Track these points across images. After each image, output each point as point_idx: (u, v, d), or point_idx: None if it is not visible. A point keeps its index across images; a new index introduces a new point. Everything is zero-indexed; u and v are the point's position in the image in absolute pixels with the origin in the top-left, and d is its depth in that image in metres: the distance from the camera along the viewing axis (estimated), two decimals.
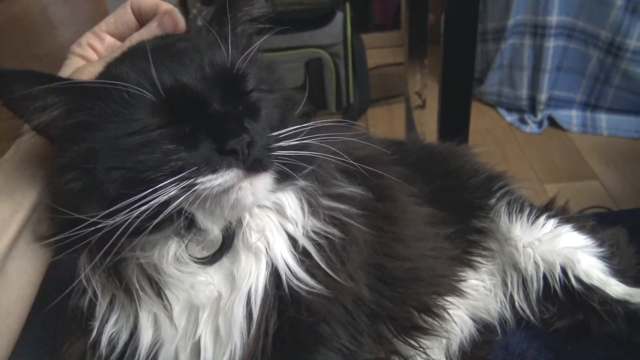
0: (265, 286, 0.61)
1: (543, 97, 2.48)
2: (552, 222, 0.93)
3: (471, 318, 0.87)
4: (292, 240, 0.64)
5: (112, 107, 0.56)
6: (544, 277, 0.89)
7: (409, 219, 0.78)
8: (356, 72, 2.52)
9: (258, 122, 0.60)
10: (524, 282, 0.91)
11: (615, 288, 0.87)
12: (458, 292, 0.81)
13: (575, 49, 2.38)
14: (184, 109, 0.57)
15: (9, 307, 0.65)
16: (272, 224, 0.64)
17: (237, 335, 0.61)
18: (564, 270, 0.88)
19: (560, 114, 2.50)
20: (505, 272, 0.93)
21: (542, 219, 0.93)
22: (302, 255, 0.63)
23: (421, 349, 0.74)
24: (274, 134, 0.59)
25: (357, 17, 2.51)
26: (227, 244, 0.62)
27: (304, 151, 0.60)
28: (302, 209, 0.64)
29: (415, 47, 2.27)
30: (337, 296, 0.63)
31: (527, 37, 2.44)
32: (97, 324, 0.62)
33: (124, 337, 0.62)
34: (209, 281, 0.61)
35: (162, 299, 0.60)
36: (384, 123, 2.63)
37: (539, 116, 2.51)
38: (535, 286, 0.89)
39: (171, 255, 0.59)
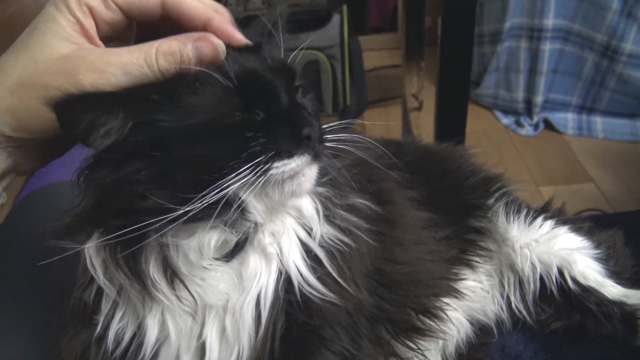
0: (276, 290, 0.61)
1: (539, 99, 2.49)
2: (549, 223, 0.93)
3: (468, 320, 0.88)
4: (305, 246, 0.64)
5: (182, 97, 0.55)
6: (541, 278, 0.89)
7: (408, 223, 0.78)
8: (353, 74, 2.52)
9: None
10: (521, 283, 0.91)
11: (612, 289, 0.87)
12: (456, 293, 0.81)
13: (571, 52, 2.39)
14: (256, 95, 0.57)
15: None
16: (289, 227, 0.64)
17: (245, 337, 0.60)
18: (560, 272, 0.88)
19: (556, 117, 2.51)
20: (502, 273, 0.93)
21: (539, 220, 0.93)
22: (314, 263, 0.63)
23: (419, 351, 0.74)
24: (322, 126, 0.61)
25: (354, 19, 2.52)
26: (241, 244, 0.62)
27: (344, 144, 0.62)
28: (318, 213, 0.64)
29: (412, 50, 2.27)
30: (346, 305, 0.63)
31: (523, 40, 2.46)
32: (102, 318, 0.61)
33: (129, 332, 0.61)
34: (218, 278, 0.61)
35: (175, 291, 0.58)
36: (380, 125, 2.63)
37: (535, 119, 2.52)
38: (532, 287, 0.90)
39: (212, 245, 0.58)
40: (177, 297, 0.59)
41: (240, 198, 0.56)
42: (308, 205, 0.64)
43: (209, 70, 0.55)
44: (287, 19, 0.70)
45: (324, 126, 0.62)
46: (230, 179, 0.53)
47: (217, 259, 0.60)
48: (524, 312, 0.92)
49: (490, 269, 0.93)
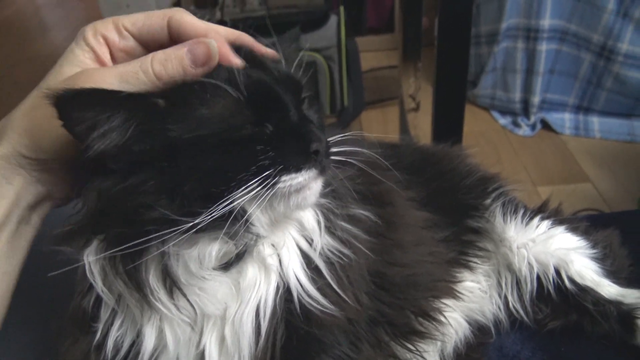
0: (275, 300, 0.61)
1: (536, 100, 2.50)
2: (546, 223, 0.93)
3: (466, 320, 0.88)
4: (306, 257, 0.64)
5: (190, 108, 0.55)
6: (538, 277, 0.90)
7: (407, 224, 0.78)
8: (350, 75, 2.52)
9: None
10: (518, 283, 0.91)
11: (608, 289, 0.88)
12: (454, 295, 0.81)
13: (567, 53, 2.40)
14: (266, 109, 0.58)
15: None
16: (289, 239, 0.64)
17: (245, 346, 0.60)
18: (557, 271, 0.88)
19: (553, 117, 2.52)
20: (500, 273, 0.93)
21: (536, 220, 0.93)
22: (314, 273, 0.63)
23: (418, 353, 0.74)
24: (328, 139, 0.61)
25: (351, 20, 2.52)
26: (240, 254, 0.62)
27: (349, 157, 0.63)
28: (319, 224, 0.65)
29: (409, 50, 2.28)
30: (346, 315, 0.63)
31: (520, 41, 2.46)
32: (101, 325, 0.61)
33: (128, 340, 0.61)
34: (216, 288, 0.60)
35: (173, 300, 0.58)
36: (378, 126, 2.64)
37: (532, 119, 2.53)
38: (529, 287, 0.90)
39: (213, 255, 0.58)
40: (176, 306, 0.58)
41: (246, 211, 0.56)
42: (310, 217, 0.65)
43: (219, 82, 0.56)
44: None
45: (330, 139, 0.62)
46: (239, 192, 0.53)
47: (215, 268, 0.60)
48: (522, 312, 0.92)
49: (488, 269, 0.93)
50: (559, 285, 0.88)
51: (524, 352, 0.89)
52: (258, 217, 0.59)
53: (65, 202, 0.65)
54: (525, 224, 0.93)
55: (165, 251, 0.56)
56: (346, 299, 0.63)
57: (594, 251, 0.91)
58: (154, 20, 0.62)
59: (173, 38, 0.62)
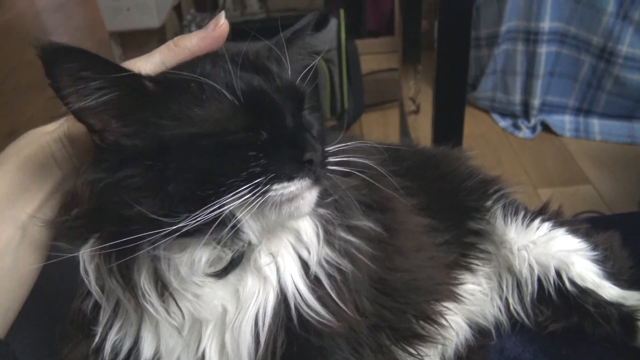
0: (275, 309, 0.61)
1: (536, 102, 2.50)
2: (547, 225, 0.93)
3: (467, 323, 0.88)
4: (305, 266, 0.63)
5: (184, 105, 0.55)
6: (539, 280, 0.89)
7: (408, 229, 0.78)
8: (350, 77, 2.53)
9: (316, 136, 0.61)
10: (519, 285, 0.91)
11: (609, 291, 0.88)
12: (456, 298, 0.81)
13: (567, 55, 2.40)
14: (262, 115, 0.57)
15: (16, 294, 0.66)
16: (287, 248, 0.64)
17: (244, 354, 0.60)
18: (558, 273, 0.88)
19: (553, 119, 2.52)
20: (501, 275, 0.93)
21: (537, 222, 0.93)
22: (314, 283, 0.63)
23: (419, 357, 0.74)
24: (326, 149, 0.61)
25: (351, 23, 2.53)
26: (235, 262, 0.62)
27: (348, 168, 0.62)
28: (318, 235, 0.64)
29: (408, 53, 2.28)
30: (345, 326, 0.63)
31: (519, 43, 2.46)
32: (100, 329, 0.61)
33: (127, 344, 0.61)
34: (214, 295, 0.61)
35: (165, 305, 0.58)
36: (378, 128, 2.64)
37: (532, 121, 2.53)
38: (530, 289, 0.90)
39: (203, 261, 0.58)
40: (166, 310, 0.58)
41: (235, 217, 0.56)
42: (308, 228, 0.64)
43: (217, 85, 0.55)
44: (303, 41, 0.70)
45: (330, 147, 0.62)
46: (228, 198, 0.53)
47: (210, 275, 0.60)
48: (522, 314, 0.92)
49: (489, 271, 0.93)
50: (560, 287, 0.88)
51: (525, 354, 0.89)
52: (249, 224, 0.58)
53: None
54: (526, 225, 0.93)
55: (156, 254, 0.56)
56: (346, 310, 0.63)
57: (595, 253, 0.91)
58: (178, 54, 0.64)
59: None
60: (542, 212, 0.98)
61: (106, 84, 0.53)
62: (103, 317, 0.61)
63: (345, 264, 0.64)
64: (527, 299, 0.90)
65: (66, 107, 0.54)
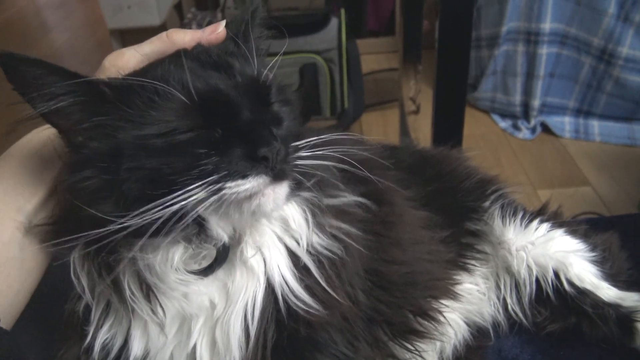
0: (263, 302, 0.61)
1: (536, 103, 2.50)
2: (545, 226, 0.93)
3: (465, 322, 0.88)
4: (293, 256, 0.63)
5: (138, 108, 0.56)
6: (537, 280, 0.90)
7: (405, 222, 0.78)
8: (350, 77, 2.53)
9: (281, 132, 0.61)
10: (517, 286, 0.92)
11: (607, 292, 0.88)
12: (453, 295, 0.81)
13: (568, 56, 2.40)
14: (216, 114, 0.57)
15: (23, 284, 0.66)
16: (273, 239, 0.64)
17: (235, 348, 0.60)
18: (556, 274, 0.88)
19: (553, 120, 2.52)
20: (499, 276, 0.93)
21: (535, 222, 0.93)
22: (301, 272, 0.63)
23: (417, 352, 0.74)
24: (294, 144, 0.61)
25: (352, 22, 2.53)
26: (221, 258, 0.62)
27: (321, 161, 0.62)
28: (307, 220, 0.64)
29: (409, 53, 2.28)
30: (334, 313, 0.63)
31: (520, 44, 2.46)
32: (92, 329, 0.61)
33: (118, 343, 0.61)
34: (201, 291, 0.61)
35: (151, 305, 0.59)
36: (378, 128, 2.64)
37: (532, 122, 2.53)
38: (528, 289, 0.90)
39: (176, 260, 0.59)
40: (152, 310, 0.59)
41: (199, 216, 0.56)
42: (295, 214, 0.64)
43: (168, 87, 0.55)
44: (262, 22, 0.70)
45: (300, 142, 0.61)
46: (179, 196, 0.52)
47: (196, 272, 0.60)
48: (520, 315, 0.92)
49: (487, 271, 0.93)
50: (558, 288, 0.88)
51: (523, 355, 0.89)
52: (216, 222, 0.58)
53: None
54: (524, 226, 0.93)
55: (133, 256, 0.57)
56: (337, 297, 0.62)
57: (593, 254, 0.92)
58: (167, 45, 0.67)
59: None
60: (541, 213, 0.98)
61: (64, 90, 0.55)
62: (94, 317, 0.61)
63: (334, 250, 0.64)
64: (525, 300, 0.90)
65: (34, 110, 0.56)
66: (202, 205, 0.54)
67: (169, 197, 0.52)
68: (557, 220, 0.97)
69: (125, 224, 0.52)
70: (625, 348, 0.86)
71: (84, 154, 0.56)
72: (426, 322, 0.75)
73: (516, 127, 2.56)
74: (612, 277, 0.90)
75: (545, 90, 2.49)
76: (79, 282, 0.60)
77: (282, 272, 0.62)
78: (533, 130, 2.52)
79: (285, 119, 0.63)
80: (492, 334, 0.92)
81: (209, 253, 0.61)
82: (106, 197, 0.55)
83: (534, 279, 0.90)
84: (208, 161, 0.54)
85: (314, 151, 0.61)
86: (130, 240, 0.54)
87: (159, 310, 0.59)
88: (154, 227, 0.53)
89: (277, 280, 0.62)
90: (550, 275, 0.88)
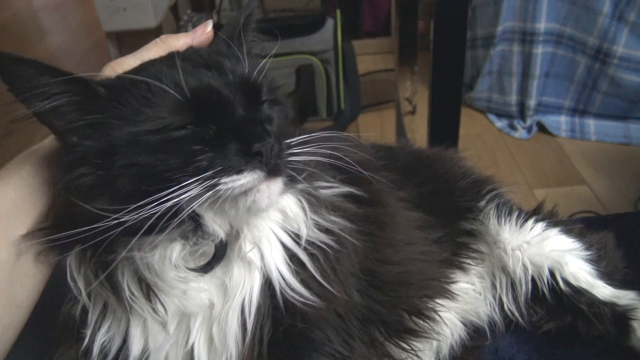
0: (260, 296, 0.61)
1: (532, 103, 2.50)
2: (540, 225, 0.94)
3: (461, 322, 0.88)
4: (288, 251, 0.64)
5: (132, 106, 0.56)
6: (533, 279, 0.90)
7: (398, 223, 0.78)
8: (347, 78, 2.53)
9: (273, 129, 0.61)
10: (513, 285, 0.92)
11: (603, 290, 0.88)
12: (448, 295, 0.81)
13: (563, 56, 2.41)
14: (209, 110, 0.58)
15: (22, 300, 0.65)
16: (269, 234, 0.64)
17: (232, 344, 0.60)
18: (552, 273, 0.89)
19: (549, 120, 2.52)
20: (494, 275, 0.93)
21: (531, 222, 0.94)
22: (297, 266, 0.63)
23: (413, 352, 0.74)
24: (287, 141, 0.61)
25: (348, 23, 2.53)
26: (219, 255, 0.62)
27: (313, 157, 0.63)
28: (304, 209, 0.65)
29: (405, 54, 2.28)
30: (330, 307, 0.63)
31: (515, 44, 2.47)
32: (89, 332, 0.61)
33: (116, 344, 0.61)
34: (201, 288, 0.61)
35: (151, 303, 0.59)
36: (374, 129, 2.64)
37: (528, 122, 2.53)
38: (524, 289, 0.90)
39: (174, 257, 0.59)
40: (152, 308, 0.59)
41: (194, 212, 0.56)
42: (292, 205, 0.64)
43: (161, 84, 0.56)
44: (256, 26, 0.71)
45: (291, 140, 0.62)
46: (174, 192, 0.53)
47: (195, 270, 0.61)
48: (516, 314, 0.92)
49: (482, 270, 0.93)
50: (554, 287, 0.89)
51: (519, 355, 0.89)
52: (212, 219, 0.59)
53: None
54: (520, 225, 0.93)
55: (131, 256, 0.57)
56: (332, 290, 0.63)
57: (589, 253, 0.92)
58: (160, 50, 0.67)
59: None
60: (536, 212, 0.98)
61: (59, 89, 0.55)
62: (91, 320, 0.61)
63: (328, 243, 0.64)
64: (521, 299, 0.91)
65: (28, 110, 0.56)
66: (197, 201, 0.54)
67: (163, 193, 0.52)
68: (552, 219, 0.98)
69: (120, 220, 0.52)
70: (621, 346, 0.86)
71: (78, 152, 0.56)
72: (421, 322, 0.75)
73: (512, 127, 2.57)
74: (608, 276, 0.91)
75: (541, 89, 2.50)
76: (75, 285, 0.60)
77: (279, 266, 0.62)
78: (529, 129, 2.52)
79: (276, 118, 0.64)
80: (488, 334, 0.92)
81: (207, 250, 0.61)
82: (101, 193, 0.55)
83: (529, 278, 0.90)
84: (203, 157, 0.55)
85: (305, 148, 0.62)
86: (126, 238, 0.55)
87: (160, 308, 0.59)
88: (149, 223, 0.53)
89: (274, 275, 0.62)
90: (546, 274, 0.89)
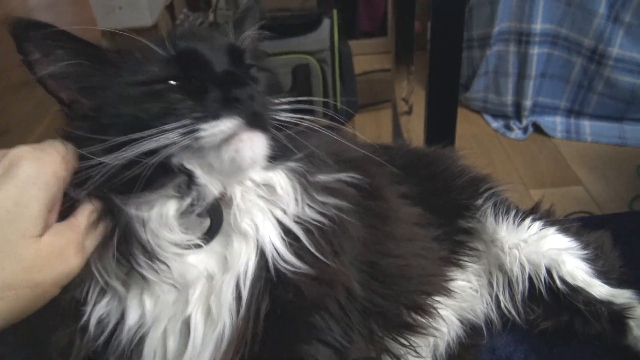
0: (255, 269, 0.61)
1: (528, 103, 2.51)
2: (538, 224, 0.94)
3: (458, 319, 0.88)
4: (282, 225, 0.64)
5: (125, 66, 0.61)
6: (529, 278, 0.90)
7: (400, 218, 0.78)
8: (343, 78, 2.53)
9: (258, 88, 0.64)
10: (510, 283, 0.92)
11: (599, 289, 0.88)
12: (446, 292, 0.81)
13: (559, 56, 2.41)
14: (193, 66, 0.61)
15: None
16: (261, 206, 0.64)
17: (226, 315, 0.60)
18: (549, 272, 0.89)
19: (544, 120, 2.53)
20: (491, 273, 0.94)
21: (528, 221, 0.94)
22: (291, 239, 0.63)
23: (411, 348, 0.74)
24: (273, 100, 0.63)
25: (344, 23, 2.53)
26: (215, 226, 0.62)
27: (298, 124, 0.64)
28: (294, 188, 0.65)
29: (401, 54, 2.28)
30: (324, 277, 0.63)
31: (511, 44, 2.47)
32: (89, 308, 0.61)
33: (114, 318, 0.61)
34: (200, 260, 0.61)
35: (153, 265, 0.59)
36: (371, 129, 2.64)
37: (524, 122, 2.54)
38: (521, 287, 0.90)
39: (171, 214, 0.60)
40: (154, 268, 0.59)
41: (184, 166, 0.59)
42: (282, 182, 0.65)
43: (149, 43, 0.61)
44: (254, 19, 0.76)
45: (282, 100, 0.63)
46: (153, 137, 0.55)
47: (194, 244, 0.61)
48: (513, 312, 0.92)
49: (479, 268, 0.94)
50: (551, 286, 0.89)
51: (516, 354, 0.89)
52: (202, 175, 0.61)
53: None
54: (517, 224, 0.93)
55: (130, 215, 0.58)
56: (324, 260, 0.63)
57: (585, 252, 0.92)
58: None
59: None
60: (534, 212, 0.99)
61: (70, 53, 0.59)
62: (91, 296, 0.61)
63: (324, 221, 0.65)
64: (518, 297, 0.91)
65: (34, 76, 0.60)
66: (180, 147, 0.57)
67: (145, 134, 0.55)
68: (549, 218, 0.98)
69: (110, 163, 0.55)
70: (617, 346, 0.87)
71: (78, 110, 0.61)
72: (419, 318, 0.75)
73: (508, 127, 2.57)
74: (604, 275, 0.91)
75: (536, 90, 2.50)
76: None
77: (272, 238, 0.63)
78: (525, 130, 2.53)
79: (262, 79, 0.67)
80: (485, 332, 0.92)
81: (204, 224, 0.62)
82: (94, 141, 0.57)
83: (526, 276, 0.90)
84: (183, 105, 0.58)
85: (295, 116, 0.64)
86: (123, 197, 0.57)
87: (165, 268, 0.60)
88: (143, 177, 0.55)
89: (267, 246, 0.62)
90: (543, 272, 0.89)
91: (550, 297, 0.89)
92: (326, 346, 0.63)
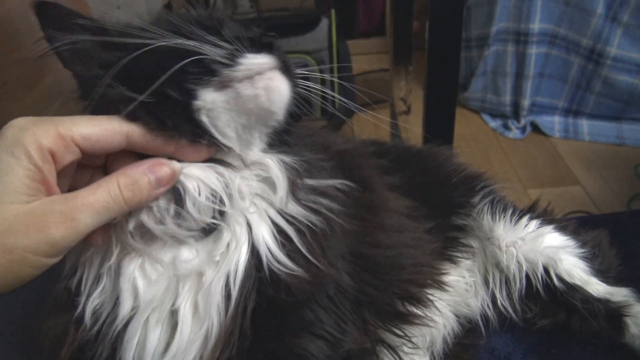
0: (246, 267, 0.61)
1: (526, 103, 2.51)
2: (535, 222, 0.94)
3: (453, 313, 0.88)
4: (274, 223, 0.64)
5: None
6: (527, 276, 0.90)
7: (389, 209, 0.78)
8: (341, 78, 2.53)
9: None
10: (507, 281, 0.92)
11: (597, 287, 0.88)
12: (439, 285, 0.81)
13: (557, 56, 2.42)
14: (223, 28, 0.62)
15: None
16: (257, 204, 0.64)
17: (214, 313, 0.59)
18: (546, 270, 0.89)
19: (542, 120, 2.53)
20: (488, 271, 0.94)
21: (525, 219, 0.94)
22: (283, 239, 0.63)
23: (406, 338, 0.74)
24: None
25: (343, 23, 2.53)
26: (213, 224, 0.62)
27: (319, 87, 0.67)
28: (286, 179, 0.64)
29: (400, 54, 2.28)
30: (315, 280, 0.62)
31: (510, 44, 2.48)
32: (83, 298, 0.60)
33: (108, 307, 0.60)
34: (193, 254, 0.61)
35: (149, 247, 0.59)
36: (369, 128, 2.64)
37: (522, 122, 2.54)
38: (518, 285, 0.90)
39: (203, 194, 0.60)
40: (149, 251, 0.59)
41: (212, 110, 0.59)
42: (275, 168, 0.64)
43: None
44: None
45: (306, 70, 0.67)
46: (197, 47, 0.56)
47: (192, 234, 0.60)
48: (510, 310, 0.92)
49: (472, 265, 0.93)
50: (548, 284, 0.89)
51: (515, 354, 0.89)
52: (226, 120, 0.60)
53: None
54: (514, 222, 0.93)
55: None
56: (316, 262, 0.62)
57: (583, 250, 0.92)
58: (112, 139, 0.57)
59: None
60: (531, 210, 0.99)
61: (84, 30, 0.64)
62: (85, 286, 0.60)
63: (315, 220, 0.64)
64: (515, 295, 0.91)
65: (54, 50, 0.64)
66: (217, 62, 0.57)
67: (189, 42, 0.56)
68: (547, 217, 0.98)
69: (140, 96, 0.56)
70: (616, 345, 0.87)
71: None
72: (413, 308, 0.75)
73: (506, 127, 2.58)
74: (602, 273, 0.91)
75: (534, 90, 2.51)
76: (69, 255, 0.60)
77: (265, 238, 0.62)
78: (523, 130, 2.53)
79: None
80: (483, 331, 0.92)
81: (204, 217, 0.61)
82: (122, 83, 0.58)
83: (523, 274, 0.90)
84: (221, 42, 0.58)
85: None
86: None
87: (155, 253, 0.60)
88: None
89: (261, 246, 0.61)
90: (540, 271, 0.89)
91: (547, 295, 0.89)
92: (318, 338, 0.62)
